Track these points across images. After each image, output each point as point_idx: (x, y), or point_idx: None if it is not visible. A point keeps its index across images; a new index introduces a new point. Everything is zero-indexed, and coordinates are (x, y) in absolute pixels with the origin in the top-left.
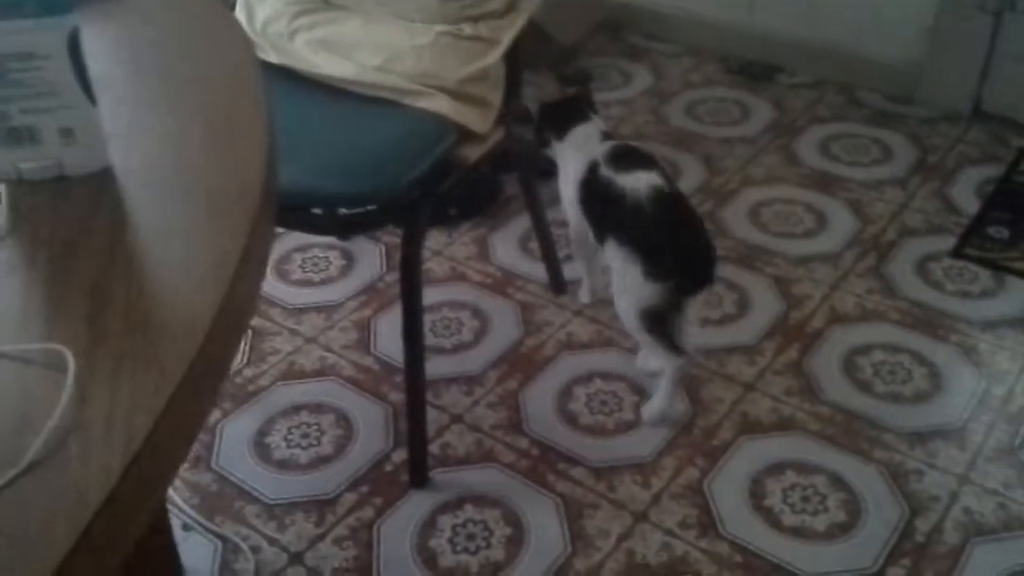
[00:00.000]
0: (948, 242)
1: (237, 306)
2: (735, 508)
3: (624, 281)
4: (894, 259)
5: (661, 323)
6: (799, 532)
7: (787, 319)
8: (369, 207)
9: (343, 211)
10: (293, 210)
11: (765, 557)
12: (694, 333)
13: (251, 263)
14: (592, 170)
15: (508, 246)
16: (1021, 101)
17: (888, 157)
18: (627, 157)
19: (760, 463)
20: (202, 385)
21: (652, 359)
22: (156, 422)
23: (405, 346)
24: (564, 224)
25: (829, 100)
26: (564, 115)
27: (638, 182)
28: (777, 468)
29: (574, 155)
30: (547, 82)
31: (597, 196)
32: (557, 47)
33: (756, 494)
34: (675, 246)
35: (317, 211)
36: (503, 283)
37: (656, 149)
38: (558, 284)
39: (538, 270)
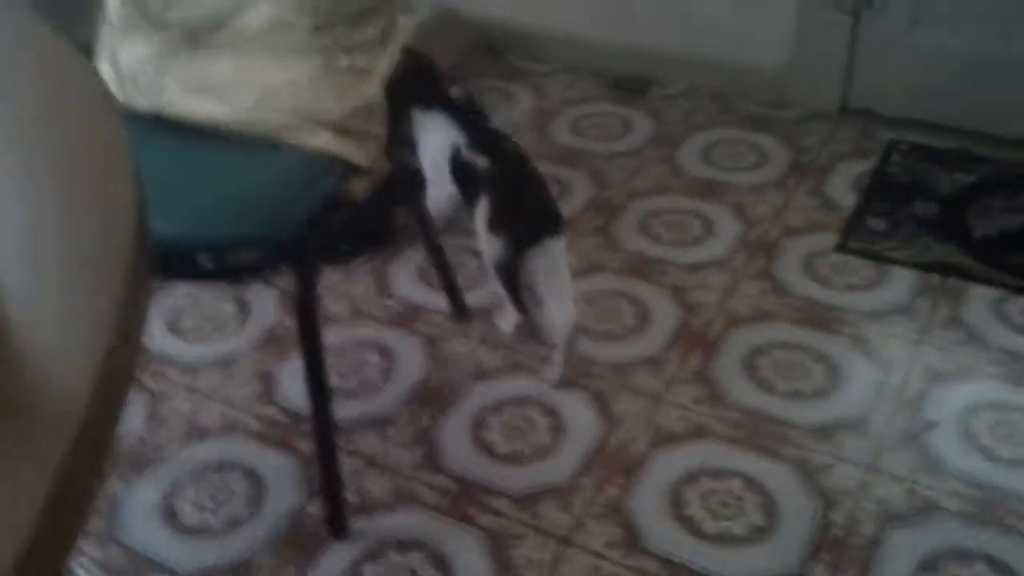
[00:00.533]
0: (830, 238)
1: (118, 372)
2: (657, 522)
3: (480, 238)
4: (781, 259)
5: (511, 277)
6: (721, 539)
7: (687, 327)
8: (257, 248)
9: (230, 257)
10: (177, 261)
11: (692, 567)
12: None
13: (128, 324)
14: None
15: (406, 277)
16: (885, 95)
17: (765, 160)
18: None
19: (676, 473)
20: (87, 464)
21: (505, 317)
22: (41, 514)
23: (310, 392)
24: (465, 251)
25: (704, 108)
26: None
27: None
28: (693, 477)
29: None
30: None
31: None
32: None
33: (676, 504)
34: (513, 200)
35: (203, 260)
36: (406, 317)
37: (543, 168)
38: (462, 312)
39: (440, 299)
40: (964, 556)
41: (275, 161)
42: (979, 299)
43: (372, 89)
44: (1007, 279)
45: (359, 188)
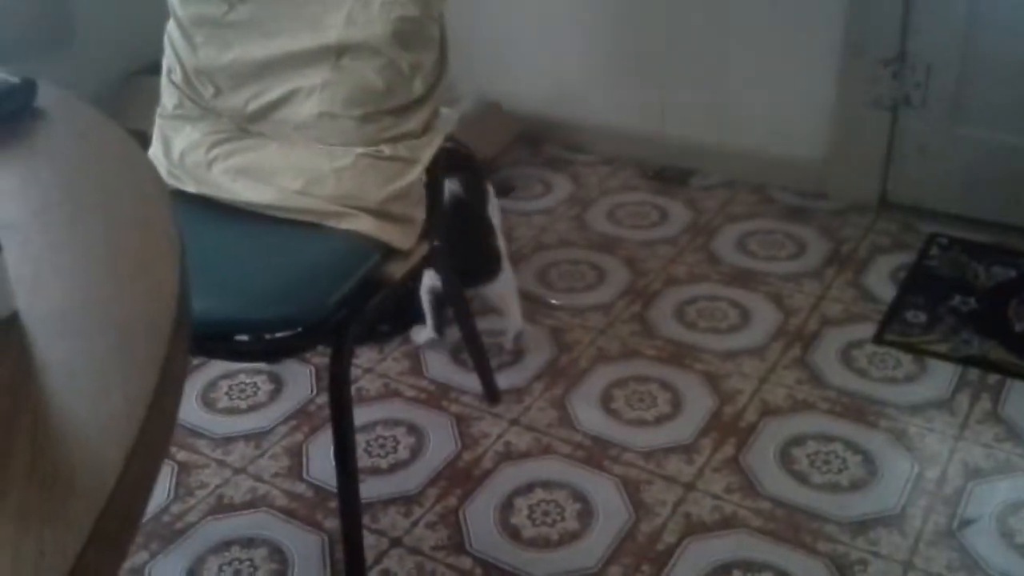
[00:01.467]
0: (868, 329)
1: (150, 447)
2: None
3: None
4: (818, 349)
5: (440, 304)
6: None
7: (721, 415)
8: (295, 331)
9: (268, 336)
10: (216, 339)
11: None
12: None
13: (163, 400)
14: None
15: (441, 358)
16: (925, 189)
17: (802, 250)
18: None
19: (706, 565)
20: (114, 538)
21: (421, 332)
22: None
23: (337, 470)
24: (496, 333)
25: (742, 199)
26: None
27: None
28: (724, 569)
29: None
30: None
31: None
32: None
33: None
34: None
35: (242, 338)
36: (437, 396)
37: (579, 254)
38: (493, 393)
39: (472, 381)
40: None
41: (316, 244)
42: (1020, 394)
43: (413, 176)
44: None
45: (397, 271)
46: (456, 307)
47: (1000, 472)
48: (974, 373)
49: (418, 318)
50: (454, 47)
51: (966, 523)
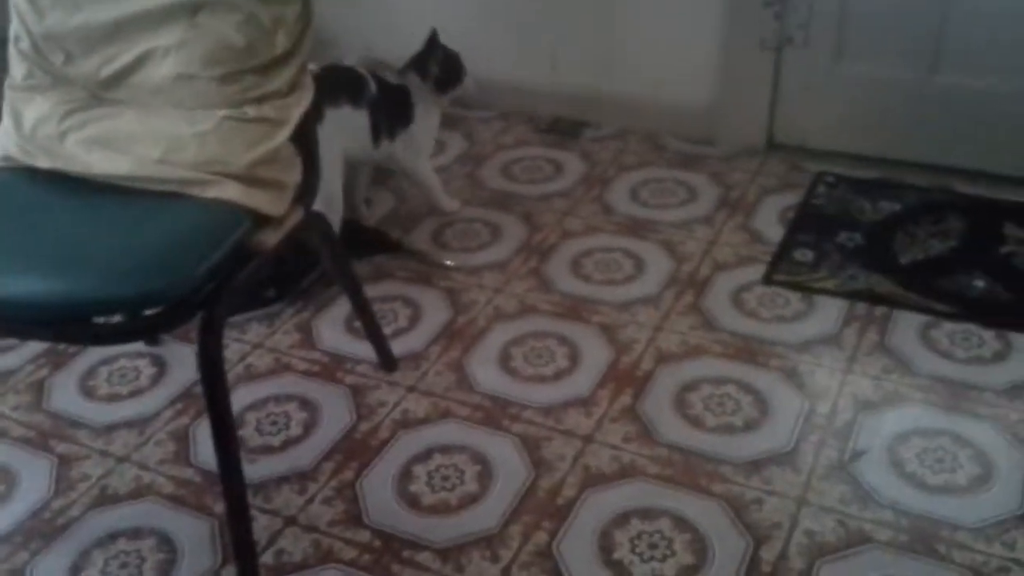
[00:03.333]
0: (758, 271)
1: None
2: (586, 566)
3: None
4: (710, 294)
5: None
6: None
7: (617, 365)
8: (160, 307)
9: (133, 316)
10: (77, 322)
11: None
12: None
13: None
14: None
15: (333, 329)
16: (810, 129)
17: (694, 197)
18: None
19: (606, 516)
20: None
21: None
22: None
23: (217, 452)
24: (387, 299)
25: (634, 148)
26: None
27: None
28: (623, 518)
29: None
30: None
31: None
32: None
33: (605, 548)
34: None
35: (106, 319)
36: (331, 368)
37: (474, 213)
38: (388, 361)
39: (367, 349)
40: None
41: (180, 215)
42: (906, 326)
43: (281, 138)
44: (934, 305)
45: (271, 239)
46: (342, 277)
47: (888, 403)
48: (861, 307)
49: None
50: (336, 1)
51: (857, 455)
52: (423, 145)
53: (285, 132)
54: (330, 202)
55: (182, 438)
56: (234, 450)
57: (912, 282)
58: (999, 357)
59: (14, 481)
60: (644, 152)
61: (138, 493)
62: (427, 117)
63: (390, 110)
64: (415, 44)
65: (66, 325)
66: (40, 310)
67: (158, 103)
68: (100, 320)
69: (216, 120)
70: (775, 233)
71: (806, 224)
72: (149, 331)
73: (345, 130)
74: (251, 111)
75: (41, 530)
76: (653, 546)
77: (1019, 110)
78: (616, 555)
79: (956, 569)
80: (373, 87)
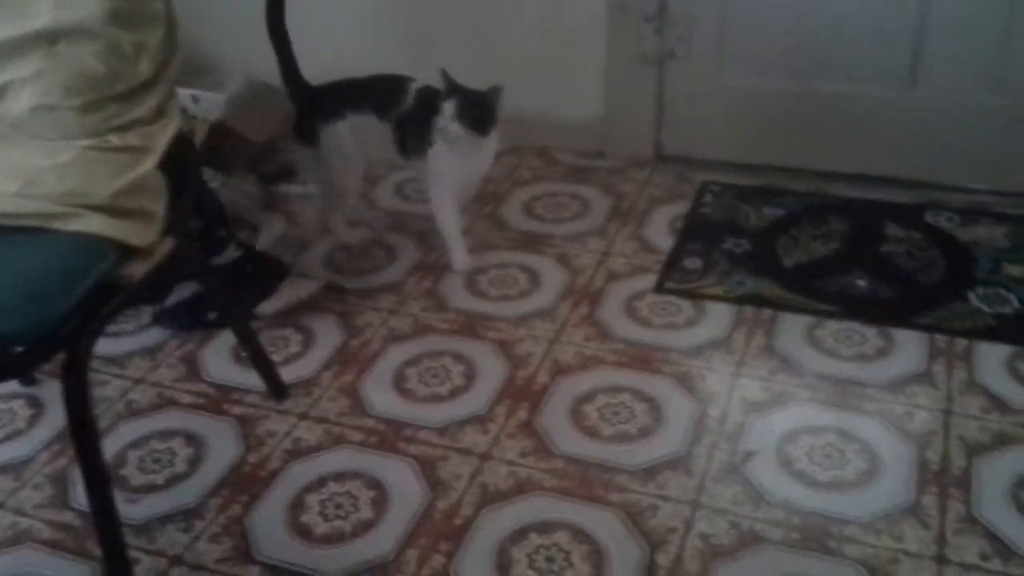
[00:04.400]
0: (650, 280)
1: None
2: None
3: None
4: (604, 304)
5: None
6: None
7: (514, 380)
8: (20, 347)
9: None
10: None
11: None
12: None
13: None
14: None
15: (220, 359)
16: (696, 140)
17: (587, 209)
18: None
19: (503, 533)
20: None
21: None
22: None
23: (88, 495)
24: (277, 326)
25: (528, 163)
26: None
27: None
28: (520, 534)
29: None
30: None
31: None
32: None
33: (502, 566)
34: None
35: None
36: (218, 400)
37: (367, 234)
38: (278, 389)
39: (255, 379)
40: None
41: (41, 250)
42: (792, 327)
43: (147, 166)
44: (817, 305)
45: (138, 271)
46: (222, 306)
47: (777, 403)
48: (749, 311)
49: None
50: (215, 24)
51: (748, 456)
52: (435, 180)
53: (151, 160)
54: (342, 195)
55: (60, 481)
56: (106, 492)
57: (796, 284)
58: (882, 353)
59: None
60: (537, 167)
61: (15, 540)
62: (446, 153)
63: (415, 130)
64: (304, 65)
65: None
66: None
67: (18, 136)
68: None
69: (77, 151)
70: (665, 242)
71: (694, 232)
72: (9, 372)
73: (364, 136)
74: (114, 140)
75: None
76: (550, 559)
77: (895, 114)
78: (513, 572)
79: (848, 563)
80: (409, 103)
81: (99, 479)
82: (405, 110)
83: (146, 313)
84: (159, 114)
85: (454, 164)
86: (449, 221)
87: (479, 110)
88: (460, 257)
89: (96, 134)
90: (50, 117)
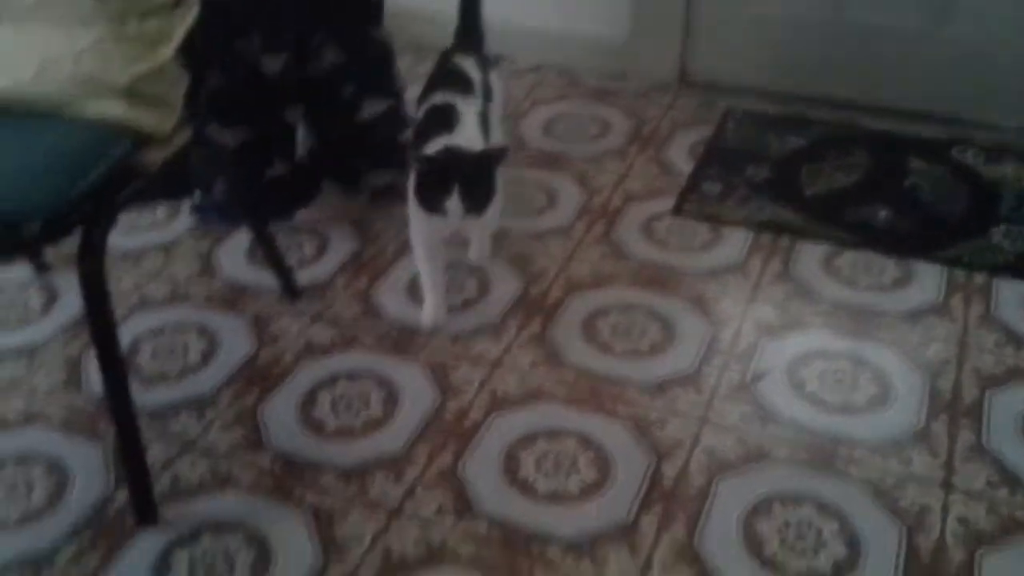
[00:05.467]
0: (668, 203)
1: None
2: (491, 486)
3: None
4: (621, 224)
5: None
6: (554, 497)
7: (527, 295)
8: (32, 225)
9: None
10: None
11: (523, 528)
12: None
13: None
14: None
15: (234, 258)
16: (720, 65)
17: (607, 131)
18: None
19: (511, 437)
20: None
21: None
22: None
23: (103, 375)
24: (292, 231)
25: (550, 82)
26: None
27: None
28: (528, 439)
29: None
30: None
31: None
32: None
33: (510, 468)
34: None
35: None
36: (232, 298)
37: None
38: (292, 291)
39: (270, 279)
40: (794, 500)
41: (57, 133)
42: (810, 255)
43: (166, 54)
44: (837, 234)
45: (155, 158)
46: (243, 201)
47: (790, 328)
48: (766, 238)
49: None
50: None
51: (758, 377)
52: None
53: (170, 47)
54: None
55: (73, 366)
56: (120, 370)
57: (816, 213)
58: (900, 284)
59: None
60: (559, 86)
61: (28, 420)
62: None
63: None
64: None
65: None
66: None
67: (36, 20)
68: None
69: (95, 36)
70: (686, 166)
71: (715, 158)
72: (24, 248)
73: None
74: (133, 26)
75: None
76: (558, 464)
77: (926, 48)
78: (521, 474)
79: (853, 483)
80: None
81: (113, 359)
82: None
83: (162, 209)
84: (178, 2)
85: (425, 222)
86: (424, 268)
87: (477, 185)
88: (429, 311)
89: (115, 20)
90: (69, 1)
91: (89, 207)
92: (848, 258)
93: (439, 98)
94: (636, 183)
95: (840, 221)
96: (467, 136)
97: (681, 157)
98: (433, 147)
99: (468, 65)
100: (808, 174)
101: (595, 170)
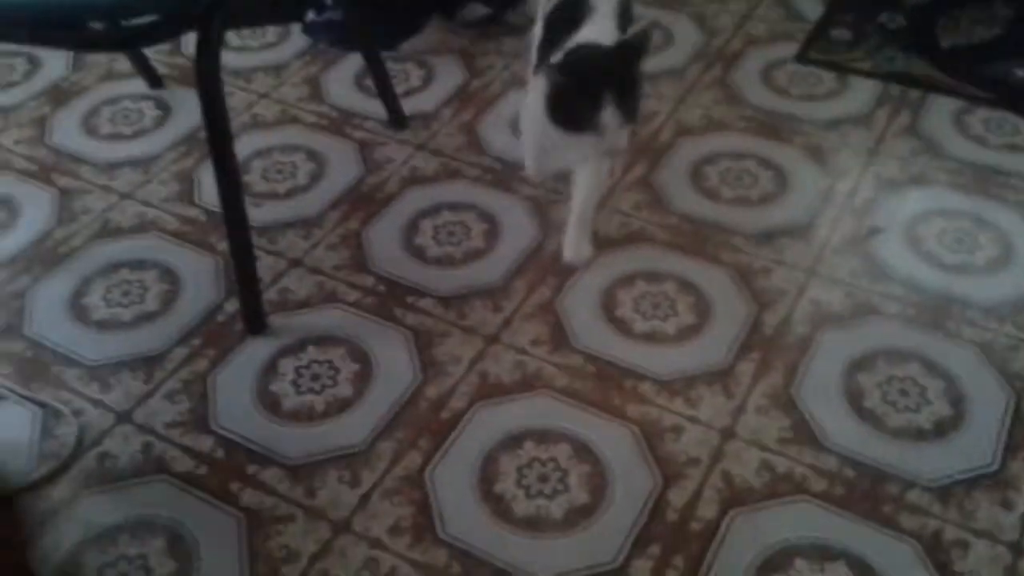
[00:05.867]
0: (792, 48)
1: None
2: (588, 321)
3: None
4: (739, 69)
5: None
6: (650, 337)
7: (633, 138)
8: (153, 15)
9: (124, 23)
10: (64, 27)
11: (617, 364)
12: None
13: None
14: None
15: (343, 85)
16: None
17: None
18: None
19: (611, 276)
20: None
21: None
22: None
23: (218, 179)
24: (399, 59)
25: None
26: None
27: None
28: (627, 279)
29: None
30: None
31: None
32: None
33: (607, 307)
34: None
35: (96, 25)
36: (339, 123)
37: None
38: (398, 119)
39: (377, 107)
40: (898, 356)
41: None
42: (940, 110)
43: None
44: (971, 90)
45: None
46: (356, 25)
47: (913, 184)
48: (896, 89)
49: None
50: None
51: (874, 232)
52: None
53: None
54: None
55: (186, 179)
56: (235, 177)
57: (951, 66)
58: None
59: (17, 211)
60: None
61: (141, 228)
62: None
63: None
64: None
65: (52, 30)
66: (22, 9)
67: None
68: (90, 26)
69: None
70: (814, 11)
71: (847, 2)
72: (139, 42)
73: None
74: None
75: (43, 257)
76: (656, 306)
77: None
78: (618, 312)
79: (964, 344)
80: None
81: (228, 166)
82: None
83: (273, 31)
84: None
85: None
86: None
87: (626, 87)
88: (571, 246)
89: None
90: None
91: (206, 4)
92: (980, 115)
93: None
94: (759, 26)
95: (975, 76)
96: (599, 29)
97: (809, 1)
98: (562, 51)
99: None
100: (945, 25)
101: (715, 11)
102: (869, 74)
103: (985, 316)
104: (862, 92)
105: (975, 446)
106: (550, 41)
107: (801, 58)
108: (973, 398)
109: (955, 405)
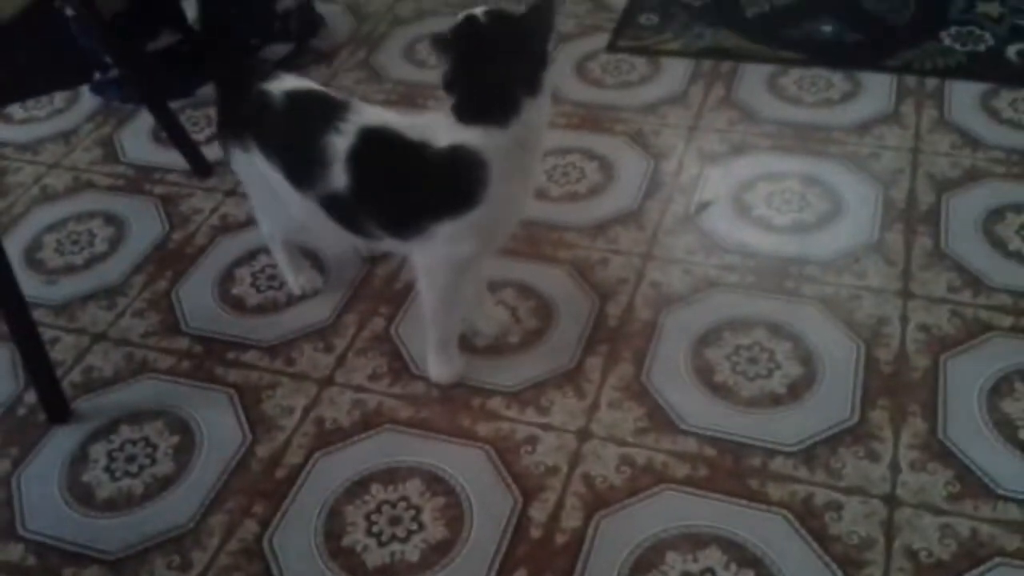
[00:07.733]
0: (602, 39)
1: None
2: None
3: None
4: (554, 66)
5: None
6: (495, 349)
7: None
8: None
9: None
10: None
11: (464, 384)
12: None
13: None
14: None
15: (138, 140)
16: None
17: None
18: None
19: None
20: None
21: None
22: None
23: None
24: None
25: None
26: None
27: None
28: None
29: None
30: None
31: None
32: None
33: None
34: None
35: None
36: (138, 181)
37: None
38: (201, 168)
39: (177, 158)
40: (742, 325)
41: None
42: (753, 77)
43: None
44: (780, 53)
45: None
46: (140, 75)
47: (735, 153)
48: (707, 64)
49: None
50: None
51: (703, 207)
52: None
53: None
54: None
55: None
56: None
57: (758, 34)
58: (848, 97)
59: None
60: None
61: None
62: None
63: None
64: None
65: None
66: None
67: None
68: None
69: None
70: (619, 0)
71: None
72: None
73: None
74: None
75: None
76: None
77: None
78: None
79: (806, 302)
80: None
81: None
82: None
83: (60, 97)
84: None
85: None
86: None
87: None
88: (433, 366)
89: None
90: None
91: None
92: (793, 75)
93: None
94: (568, 22)
95: (784, 39)
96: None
97: None
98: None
99: None
100: None
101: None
102: (680, 53)
103: (823, 271)
104: (675, 72)
105: (831, 402)
106: None
107: (612, 47)
108: (822, 354)
109: (805, 364)
